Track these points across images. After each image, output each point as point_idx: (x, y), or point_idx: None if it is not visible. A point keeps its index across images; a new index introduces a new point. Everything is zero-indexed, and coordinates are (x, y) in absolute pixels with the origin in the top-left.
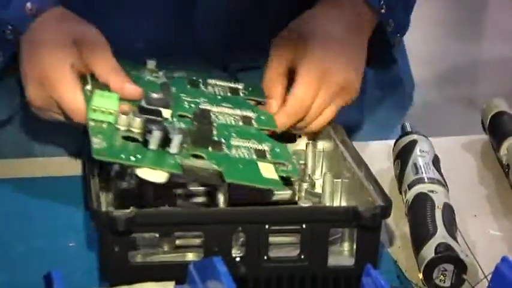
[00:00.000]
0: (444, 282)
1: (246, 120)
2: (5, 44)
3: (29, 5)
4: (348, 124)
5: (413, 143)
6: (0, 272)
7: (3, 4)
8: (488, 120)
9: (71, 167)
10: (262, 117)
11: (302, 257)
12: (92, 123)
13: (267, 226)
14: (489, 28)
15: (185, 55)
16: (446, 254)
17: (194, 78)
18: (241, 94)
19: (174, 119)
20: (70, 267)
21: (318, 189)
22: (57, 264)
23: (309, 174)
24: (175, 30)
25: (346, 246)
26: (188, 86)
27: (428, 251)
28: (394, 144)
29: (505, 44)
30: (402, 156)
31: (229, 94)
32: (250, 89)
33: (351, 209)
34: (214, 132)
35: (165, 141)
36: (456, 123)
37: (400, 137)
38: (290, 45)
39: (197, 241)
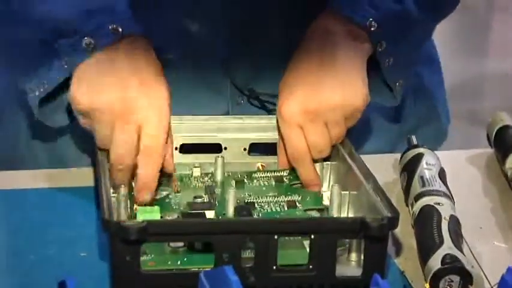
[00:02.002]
0: None
1: (291, 204)
2: (74, 53)
3: (110, 25)
4: (380, 152)
5: (419, 156)
6: (13, 281)
7: (83, 19)
8: (494, 134)
9: (83, 177)
10: (308, 199)
11: (310, 267)
12: None
13: (276, 236)
14: (493, 44)
15: (211, 75)
16: (452, 265)
17: (239, 176)
18: (285, 180)
19: (220, 218)
20: (81, 276)
21: (326, 202)
22: (69, 274)
23: None
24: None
25: (353, 256)
26: (234, 186)
27: (435, 262)
28: (401, 157)
29: (510, 60)
30: (409, 169)
31: (273, 183)
32: (295, 174)
33: (358, 220)
34: None
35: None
36: (461, 138)
37: (407, 150)
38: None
39: None
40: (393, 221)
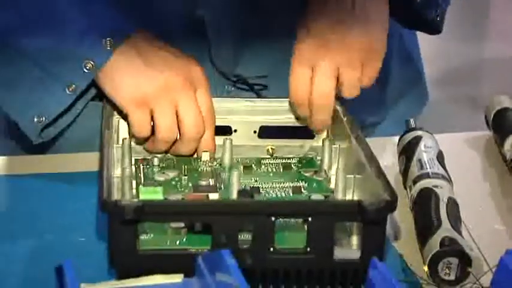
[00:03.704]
0: (449, 275)
1: (296, 189)
2: (81, 76)
3: (106, 40)
4: (371, 118)
5: (417, 138)
6: (12, 266)
7: (78, 39)
8: (492, 117)
9: (81, 162)
10: (314, 185)
11: (308, 249)
12: None
13: (273, 218)
14: (492, 28)
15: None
16: (451, 248)
17: (248, 162)
18: (293, 167)
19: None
20: (80, 261)
21: (333, 185)
22: (67, 259)
23: (325, 170)
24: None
25: (354, 239)
26: (241, 171)
27: (433, 245)
28: (399, 140)
29: (508, 44)
30: (407, 151)
31: (282, 170)
32: (304, 161)
33: (355, 203)
34: None
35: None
36: (459, 123)
37: (405, 133)
38: (310, 46)
39: None
40: (391, 204)
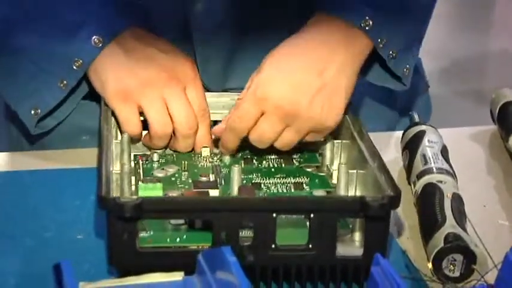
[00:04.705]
0: (453, 272)
1: (298, 186)
2: (70, 74)
3: (95, 38)
4: (378, 128)
5: (421, 133)
6: (11, 264)
7: (68, 37)
8: (497, 110)
9: (79, 158)
10: (316, 181)
11: (310, 246)
12: None
13: (274, 215)
14: (497, 22)
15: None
16: (455, 244)
17: (249, 157)
18: (295, 163)
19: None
20: (78, 259)
21: (335, 180)
22: (66, 256)
23: (327, 165)
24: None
25: (357, 236)
26: (242, 166)
27: (438, 241)
28: (403, 135)
29: None
30: (411, 146)
31: (283, 165)
32: (306, 156)
33: (358, 199)
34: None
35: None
36: (464, 117)
37: (409, 127)
38: None
39: None
40: (394, 200)
